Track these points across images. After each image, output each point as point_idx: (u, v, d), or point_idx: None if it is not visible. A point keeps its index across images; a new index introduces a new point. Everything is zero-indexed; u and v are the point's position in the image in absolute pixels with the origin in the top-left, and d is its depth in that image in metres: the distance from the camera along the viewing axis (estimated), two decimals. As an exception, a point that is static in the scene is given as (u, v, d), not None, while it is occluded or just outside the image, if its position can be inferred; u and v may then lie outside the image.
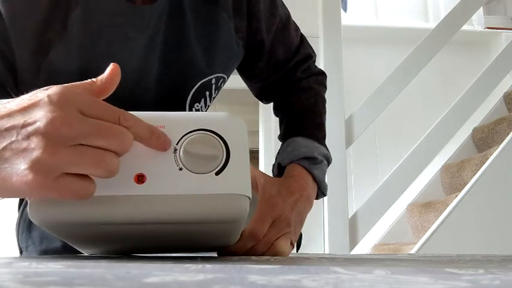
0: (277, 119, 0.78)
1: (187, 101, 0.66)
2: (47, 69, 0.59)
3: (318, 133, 0.70)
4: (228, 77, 0.71)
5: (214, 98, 0.71)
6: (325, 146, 0.69)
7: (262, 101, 0.82)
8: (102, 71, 0.38)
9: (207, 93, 0.68)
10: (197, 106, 0.67)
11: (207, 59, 0.66)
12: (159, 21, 0.61)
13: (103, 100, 0.36)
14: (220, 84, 0.70)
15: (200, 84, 0.66)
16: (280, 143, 0.72)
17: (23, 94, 0.35)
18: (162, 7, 0.61)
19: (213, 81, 0.67)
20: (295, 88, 0.76)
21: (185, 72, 0.65)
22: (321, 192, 0.65)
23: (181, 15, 0.63)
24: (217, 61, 0.67)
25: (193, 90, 0.66)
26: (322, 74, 0.79)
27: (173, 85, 0.65)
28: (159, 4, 0.61)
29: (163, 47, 0.63)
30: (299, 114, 0.72)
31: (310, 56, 0.79)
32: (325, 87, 0.79)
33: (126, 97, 0.57)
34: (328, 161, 0.68)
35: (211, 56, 0.66)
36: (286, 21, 0.76)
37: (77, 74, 0.59)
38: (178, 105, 0.66)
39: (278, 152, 0.69)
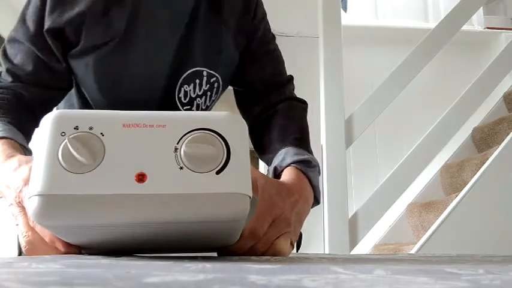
0: None
1: (179, 83, 0.78)
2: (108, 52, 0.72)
3: (307, 147, 0.73)
4: (221, 80, 0.80)
5: (208, 95, 0.80)
6: (315, 158, 0.71)
7: (238, 108, 0.87)
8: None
9: (197, 81, 0.78)
10: (186, 88, 0.78)
11: (205, 61, 0.78)
12: (182, 21, 0.76)
13: None
14: (214, 83, 0.79)
15: (191, 72, 0.78)
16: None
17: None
18: (188, 10, 0.76)
19: (205, 73, 0.78)
20: (279, 106, 0.80)
21: (184, 63, 0.78)
22: (316, 200, 0.65)
23: (194, 23, 0.77)
24: (213, 63, 0.79)
25: (185, 74, 0.78)
26: (304, 103, 0.84)
27: (173, 69, 0.77)
28: (187, 4, 0.76)
29: (177, 46, 0.76)
30: (288, 129, 0.75)
31: (292, 82, 0.86)
32: (306, 114, 0.83)
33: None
34: (319, 170, 0.69)
35: (210, 60, 0.78)
36: (278, 54, 0.86)
37: (117, 52, 0.73)
38: (172, 83, 0.78)
39: (269, 164, 0.70)
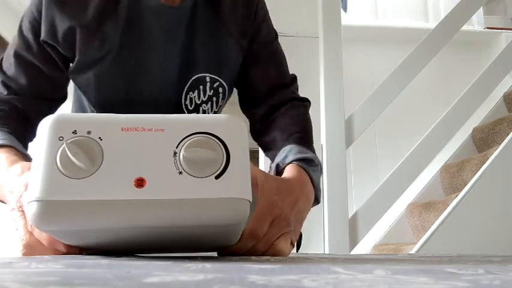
0: None
1: (185, 90, 0.78)
2: (103, 65, 0.71)
3: (310, 146, 0.73)
4: (226, 85, 0.80)
5: (214, 100, 0.80)
6: (317, 157, 0.71)
7: (240, 107, 0.87)
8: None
9: (201, 87, 0.78)
10: (191, 95, 0.79)
11: (208, 66, 0.78)
12: (179, 28, 0.75)
13: None
14: (218, 88, 0.79)
15: (196, 78, 0.78)
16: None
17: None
18: (183, 16, 0.74)
19: (208, 79, 0.78)
20: (282, 107, 0.80)
21: (188, 70, 0.78)
22: (316, 199, 0.65)
23: (193, 29, 0.76)
24: (217, 68, 0.78)
25: (190, 81, 0.78)
26: (307, 101, 0.84)
27: (178, 77, 0.77)
28: (184, 7, 0.74)
29: (180, 47, 0.75)
30: (291, 128, 0.75)
31: (296, 81, 0.86)
32: (308, 112, 0.83)
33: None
34: (321, 170, 0.69)
35: (213, 65, 0.78)
36: (280, 54, 0.86)
37: (114, 62, 0.71)
38: (178, 92, 0.78)
39: (273, 161, 0.70)
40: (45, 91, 0.74)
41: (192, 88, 0.78)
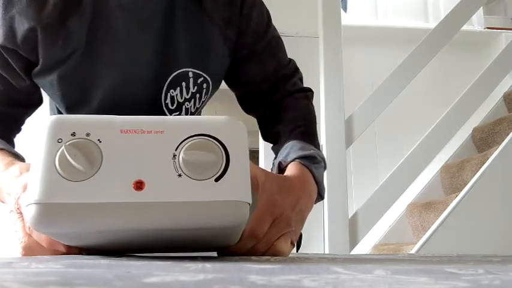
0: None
1: (164, 87, 0.72)
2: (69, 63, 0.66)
3: (314, 140, 0.72)
4: (211, 80, 0.75)
5: (197, 97, 0.75)
6: (321, 152, 0.70)
7: (243, 109, 0.83)
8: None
9: (184, 84, 0.72)
10: (172, 93, 0.72)
11: (192, 60, 0.72)
12: (153, 20, 0.69)
13: None
14: (202, 84, 0.74)
15: (177, 74, 0.72)
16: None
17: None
18: (158, 6, 0.69)
19: (191, 74, 0.72)
20: (284, 100, 0.77)
21: (167, 66, 0.71)
22: (320, 196, 0.65)
23: (171, 20, 0.70)
24: (201, 62, 0.73)
25: (171, 77, 0.72)
26: (310, 91, 0.81)
27: (154, 74, 0.71)
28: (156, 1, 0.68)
29: (156, 41, 0.70)
30: (293, 122, 0.73)
31: (297, 70, 0.81)
32: (312, 102, 0.80)
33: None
34: (325, 165, 0.68)
35: (197, 59, 0.72)
36: (277, 40, 0.79)
37: (83, 55, 0.66)
38: (156, 89, 0.72)
39: (275, 157, 0.70)
40: (17, 98, 0.71)
41: (173, 85, 0.72)
